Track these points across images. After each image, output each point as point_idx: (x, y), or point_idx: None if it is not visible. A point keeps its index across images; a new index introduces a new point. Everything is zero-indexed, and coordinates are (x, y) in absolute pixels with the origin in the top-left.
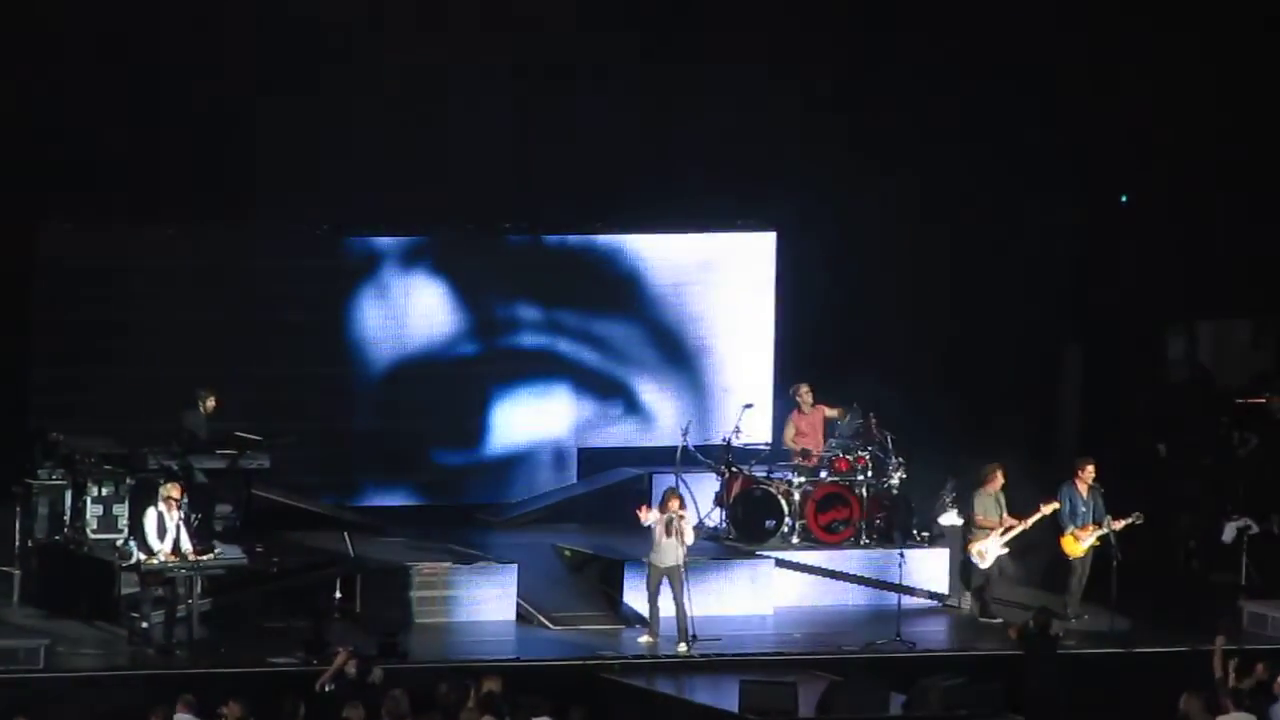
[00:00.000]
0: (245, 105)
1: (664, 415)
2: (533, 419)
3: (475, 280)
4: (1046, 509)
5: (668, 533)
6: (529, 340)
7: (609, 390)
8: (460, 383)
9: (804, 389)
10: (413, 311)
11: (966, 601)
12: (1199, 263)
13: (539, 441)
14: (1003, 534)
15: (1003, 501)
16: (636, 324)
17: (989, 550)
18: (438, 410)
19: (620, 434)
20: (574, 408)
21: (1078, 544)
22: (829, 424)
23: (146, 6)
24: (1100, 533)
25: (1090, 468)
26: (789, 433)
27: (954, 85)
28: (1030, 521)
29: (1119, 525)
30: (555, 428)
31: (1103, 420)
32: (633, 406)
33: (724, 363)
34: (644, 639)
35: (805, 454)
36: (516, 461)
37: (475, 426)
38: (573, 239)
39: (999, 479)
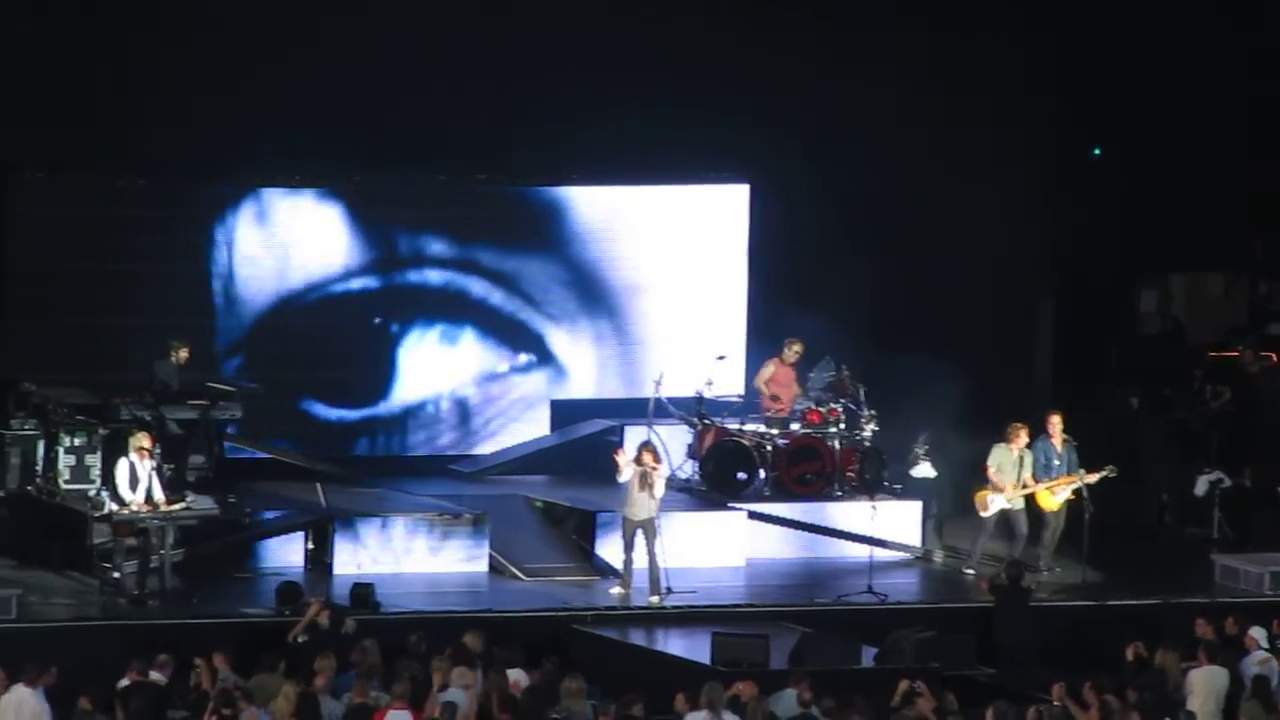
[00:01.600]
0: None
1: (635, 367)
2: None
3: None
4: (1090, 477)
5: (641, 486)
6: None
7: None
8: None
9: (796, 345)
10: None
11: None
12: (1171, 216)
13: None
14: (1015, 495)
15: (1027, 462)
16: (591, 273)
17: (993, 502)
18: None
19: (590, 385)
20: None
21: (1052, 497)
22: (801, 381)
23: None
24: (1074, 484)
25: (1056, 418)
26: (764, 374)
27: (925, 29)
28: (1042, 486)
29: (1093, 478)
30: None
31: (1075, 373)
32: (609, 358)
33: (696, 314)
34: (616, 590)
35: (775, 398)
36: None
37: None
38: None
39: (1022, 438)
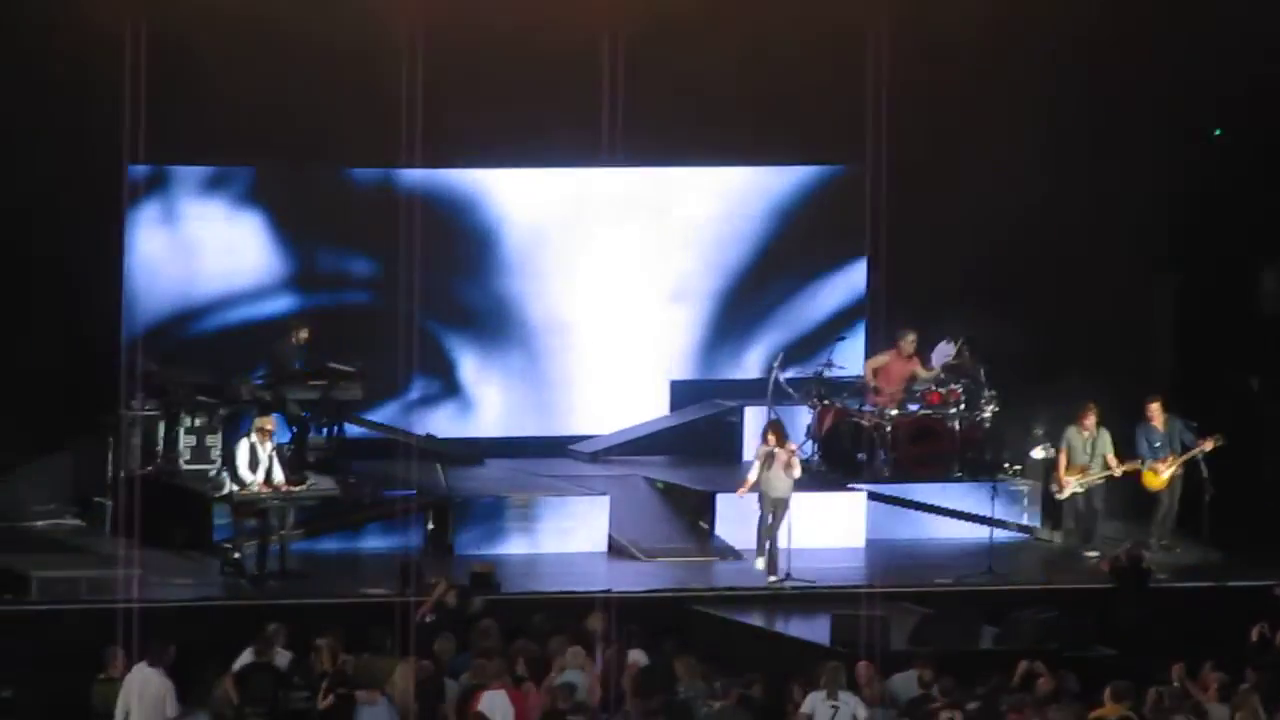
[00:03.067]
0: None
1: (755, 350)
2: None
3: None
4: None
5: (769, 464)
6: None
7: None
8: None
9: (911, 335)
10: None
11: (1059, 535)
12: None
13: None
14: (1085, 476)
15: (1105, 442)
16: (718, 258)
17: (1067, 484)
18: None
19: (712, 366)
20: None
21: (1157, 476)
22: (911, 380)
23: None
24: (1184, 459)
25: (1156, 406)
26: (876, 362)
27: (1047, 11)
28: (1122, 469)
29: (1208, 445)
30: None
31: (1195, 353)
32: (722, 340)
33: (817, 295)
34: (760, 563)
35: (878, 391)
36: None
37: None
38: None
39: (1090, 419)
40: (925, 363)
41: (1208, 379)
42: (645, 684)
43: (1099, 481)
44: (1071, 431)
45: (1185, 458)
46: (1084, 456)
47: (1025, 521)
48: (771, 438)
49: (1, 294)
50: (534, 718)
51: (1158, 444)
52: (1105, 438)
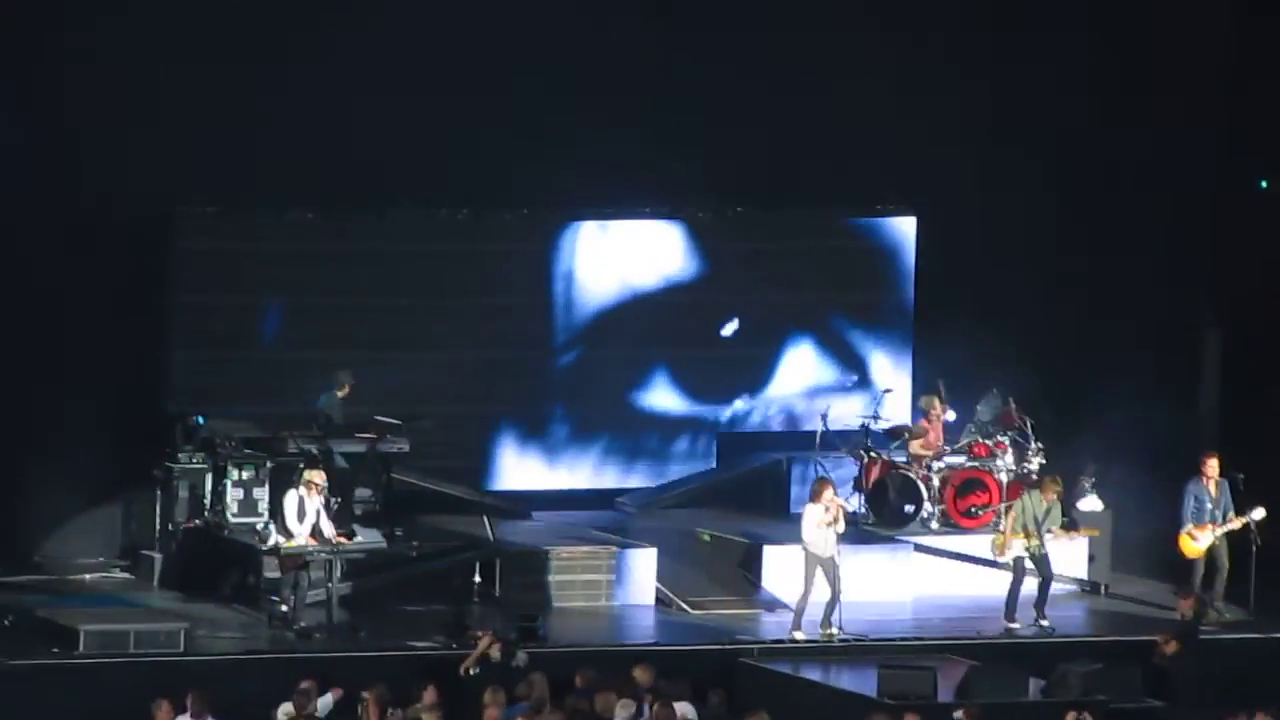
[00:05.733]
0: (379, 93)
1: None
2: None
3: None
4: (1234, 523)
5: (825, 522)
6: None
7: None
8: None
9: (933, 398)
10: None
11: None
12: None
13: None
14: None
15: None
16: (765, 304)
17: (1011, 547)
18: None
19: (757, 418)
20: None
21: (1193, 543)
22: (969, 417)
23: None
24: (1226, 529)
25: (1213, 461)
26: (918, 443)
27: (1092, 70)
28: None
29: (1255, 516)
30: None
31: (1242, 407)
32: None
33: (859, 347)
34: (798, 634)
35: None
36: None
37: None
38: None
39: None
40: (967, 413)
41: (1256, 433)
42: None
43: (1222, 535)
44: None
45: (1227, 528)
46: (1211, 511)
47: (1072, 573)
48: (827, 491)
49: (50, 346)
50: None
51: (1209, 505)
52: (1056, 509)
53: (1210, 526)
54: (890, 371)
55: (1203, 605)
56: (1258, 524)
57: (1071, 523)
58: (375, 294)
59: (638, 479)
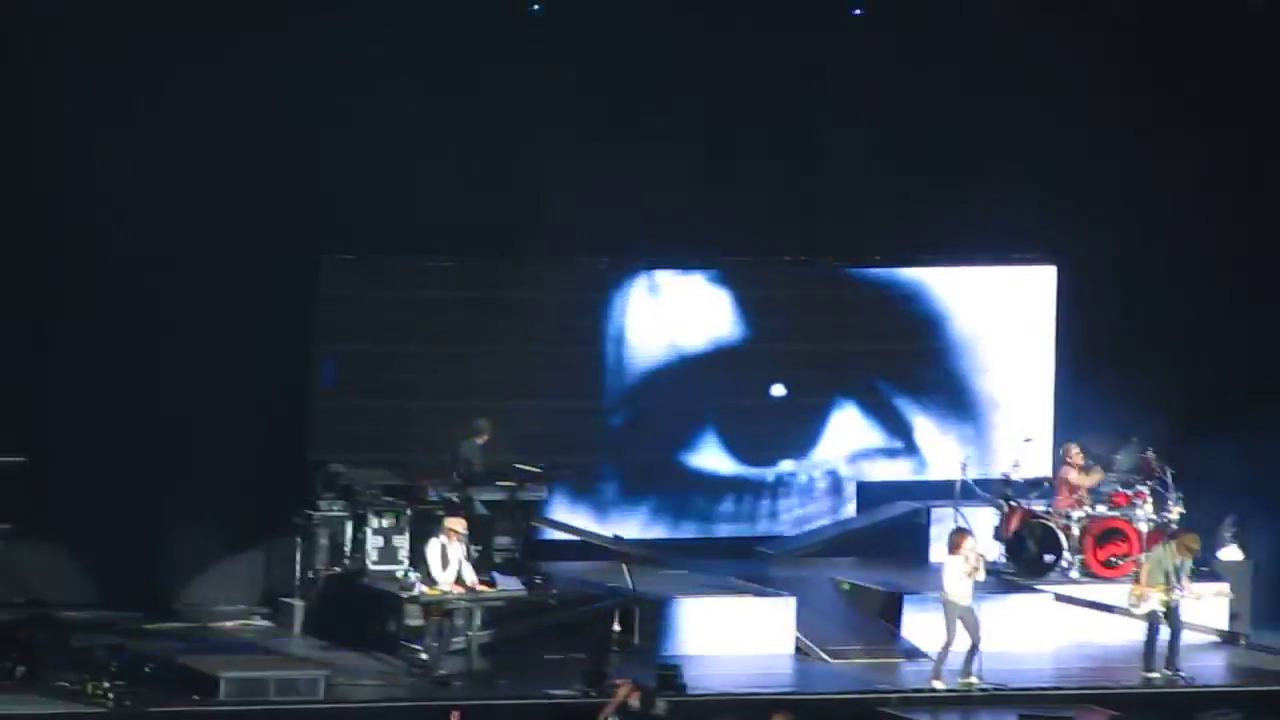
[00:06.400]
0: (516, 141)
1: (941, 450)
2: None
3: (758, 308)
4: None
5: (966, 570)
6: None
7: (891, 423)
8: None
9: (1074, 448)
10: (683, 343)
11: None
12: None
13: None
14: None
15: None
16: (915, 357)
17: (1144, 601)
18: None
19: (899, 468)
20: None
21: None
22: (1106, 465)
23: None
24: None
25: None
26: (1063, 495)
27: (1237, 122)
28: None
29: None
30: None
31: None
32: (911, 440)
33: (1003, 397)
34: (937, 683)
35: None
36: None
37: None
38: (855, 271)
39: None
40: (1105, 467)
41: None
42: None
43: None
44: (1159, 549)
45: None
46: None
47: (1213, 623)
48: (967, 541)
49: (193, 393)
50: None
51: None
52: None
53: None
54: (1031, 421)
55: None
56: None
57: (1202, 575)
58: (509, 341)
59: (778, 527)
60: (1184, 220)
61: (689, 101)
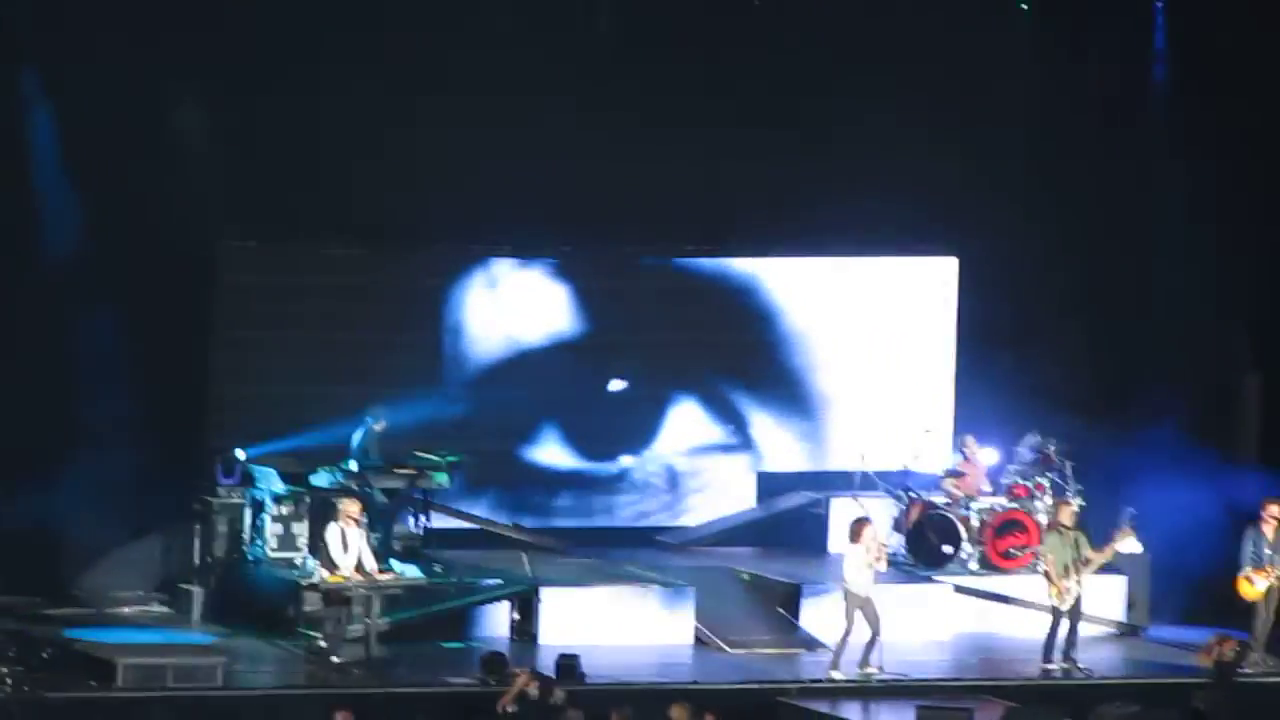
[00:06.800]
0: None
1: (840, 441)
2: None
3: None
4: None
5: (866, 561)
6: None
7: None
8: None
9: (968, 438)
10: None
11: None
12: None
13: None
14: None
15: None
16: (793, 346)
17: (1069, 591)
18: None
19: (799, 458)
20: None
21: (1251, 586)
22: (1007, 456)
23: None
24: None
25: (1274, 508)
26: (949, 483)
27: (1138, 110)
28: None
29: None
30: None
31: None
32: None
33: (902, 388)
34: (836, 674)
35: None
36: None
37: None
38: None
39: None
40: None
41: None
42: None
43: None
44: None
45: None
46: (1270, 555)
47: (1110, 615)
48: (867, 530)
49: (92, 381)
50: None
51: (1267, 551)
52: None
53: (1268, 570)
54: (930, 412)
55: (1244, 649)
56: None
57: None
58: (407, 329)
59: (676, 517)
60: (1081, 212)
61: (548, 86)
